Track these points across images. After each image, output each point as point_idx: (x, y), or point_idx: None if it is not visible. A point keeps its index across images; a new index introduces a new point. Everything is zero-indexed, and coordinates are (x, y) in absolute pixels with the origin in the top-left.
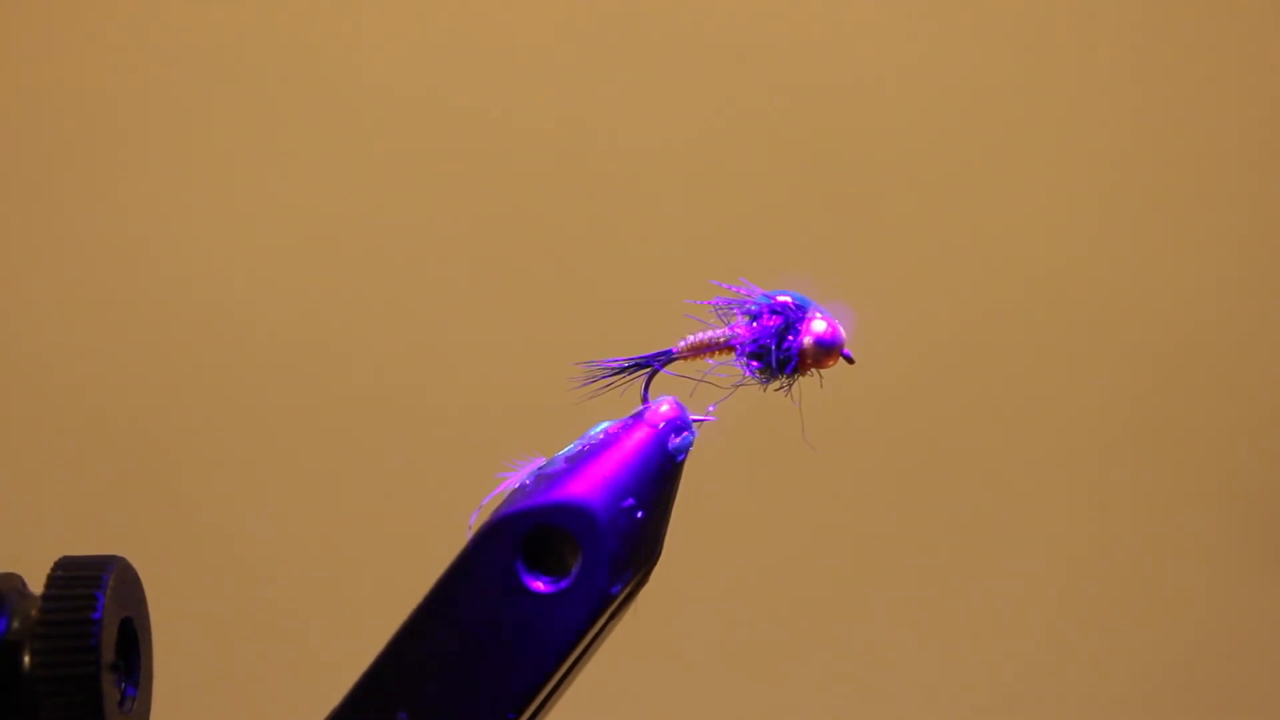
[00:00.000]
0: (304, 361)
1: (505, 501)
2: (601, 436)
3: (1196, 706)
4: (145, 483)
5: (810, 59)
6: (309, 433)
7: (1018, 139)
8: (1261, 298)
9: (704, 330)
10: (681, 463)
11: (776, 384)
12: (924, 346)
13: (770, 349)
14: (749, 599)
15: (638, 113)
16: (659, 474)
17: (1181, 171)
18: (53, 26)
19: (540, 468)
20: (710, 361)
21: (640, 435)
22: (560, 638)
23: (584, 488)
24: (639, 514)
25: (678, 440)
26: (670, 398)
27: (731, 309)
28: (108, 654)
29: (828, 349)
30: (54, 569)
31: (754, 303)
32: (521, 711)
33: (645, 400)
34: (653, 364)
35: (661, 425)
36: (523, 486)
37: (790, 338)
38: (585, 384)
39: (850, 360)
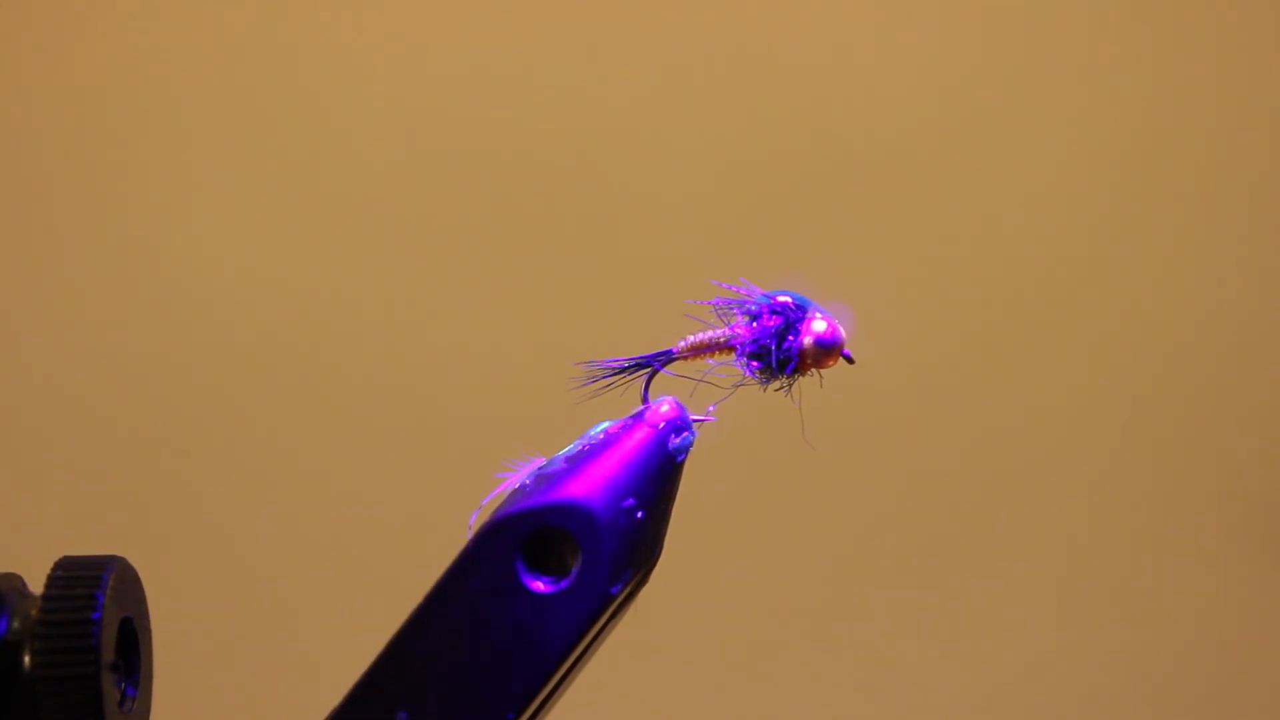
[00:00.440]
0: (304, 361)
1: (505, 501)
2: (601, 436)
3: (1197, 706)
4: (145, 483)
5: (810, 58)
6: (309, 433)
7: (1018, 139)
8: (1262, 298)
9: (704, 330)
10: (681, 463)
11: (776, 384)
12: (924, 346)
13: (770, 349)
14: (748, 599)
15: (637, 113)
16: (659, 474)
17: (1182, 172)
18: (52, 27)
19: (540, 468)
20: (710, 361)
21: (640, 435)
22: (560, 638)
23: (584, 488)
24: (639, 514)
25: (678, 440)
26: (670, 398)
27: (731, 309)
28: (108, 654)
29: (828, 349)
30: (54, 569)
31: (754, 303)
32: (521, 712)
33: (645, 400)
34: (653, 364)
35: (661, 425)
36: (523, 486)
37: (790, 338)
38: (585, 384)
39: (850, 360)
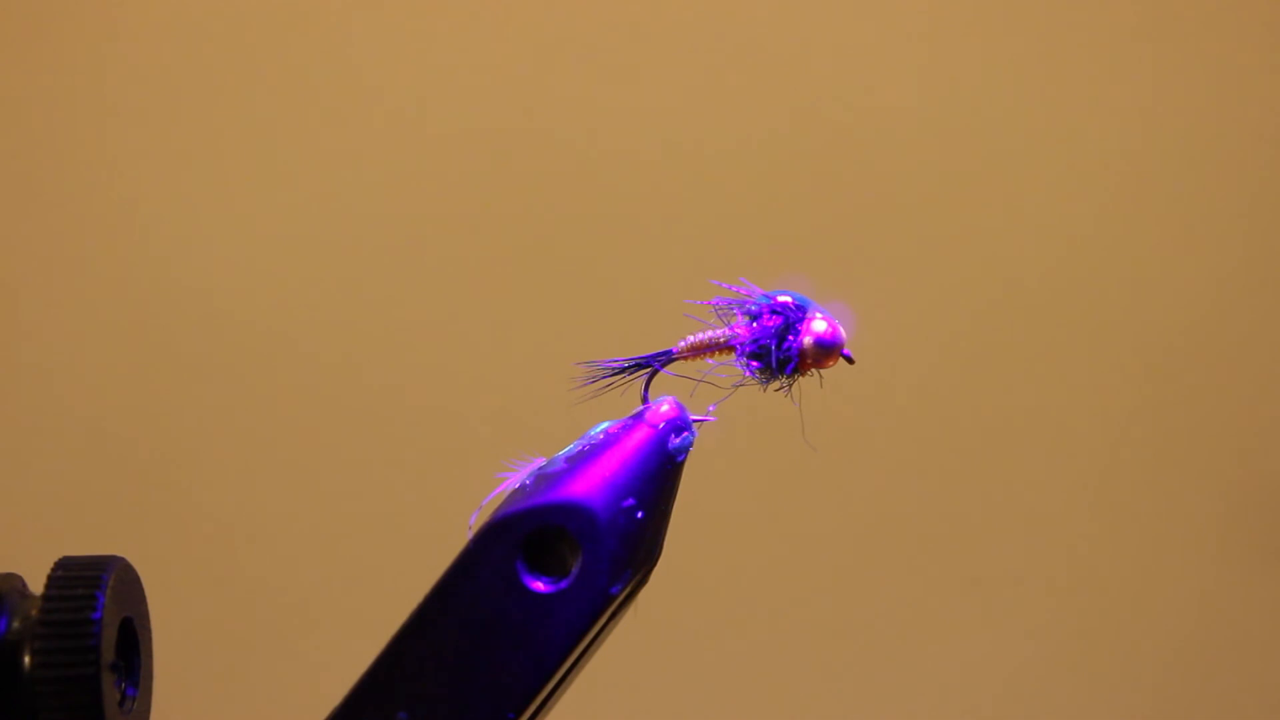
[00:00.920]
0: (304, 362)
1: (505, 501)
2: (602, 437)
3: (1197, 705)
4: (145, 483)
5: (809, 59)
6: (309, 433)
7: (1018, 139)
8: (1262, 298)
9: (704, 330)
10: (681, 463)
11: (776, 384)
12: (924, 346)
13: (770, 349)
14: (749, 599)
15: (637, 113)
16: (659, 474)
17: (1181, 173)
18: (53, 26)
19: (540, 468)
20: (710, 361)
21: (640, 435)
22: (560, 638)
23: (584, 488)
24: (639, 514)
25: (678, 440)
26: (670, 398)
27: (731, 309)
28: (108, 654)
29: (828, 349)
30: (54, 569)
31: (754, 303)
32: (521, 711)
33: (645, 400)
34: (653, 364)
35: (661, 425)
36: (523, 486)
37: (790, 338)
38: (585, 384)
39: (850, 360)
